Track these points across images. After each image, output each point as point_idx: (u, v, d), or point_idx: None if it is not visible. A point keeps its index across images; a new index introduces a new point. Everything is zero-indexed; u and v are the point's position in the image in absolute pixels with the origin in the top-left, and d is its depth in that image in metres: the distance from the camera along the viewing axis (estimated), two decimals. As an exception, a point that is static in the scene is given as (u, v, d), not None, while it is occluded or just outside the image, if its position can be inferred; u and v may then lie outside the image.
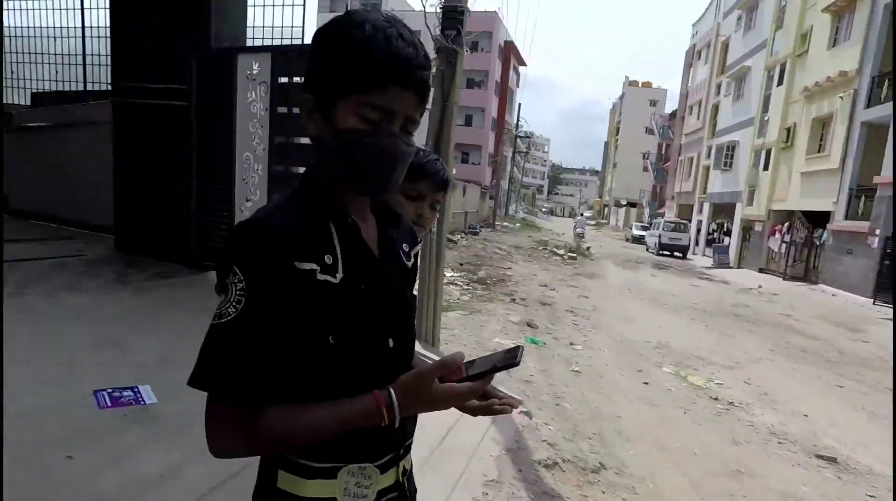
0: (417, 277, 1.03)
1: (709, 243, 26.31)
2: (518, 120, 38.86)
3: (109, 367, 2.55)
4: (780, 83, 20.65)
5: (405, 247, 0.97)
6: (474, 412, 0.86)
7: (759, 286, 15.67)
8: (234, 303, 0.72)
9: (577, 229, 22.35)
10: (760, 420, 4.89)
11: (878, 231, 13.66)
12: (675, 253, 25.28)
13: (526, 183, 73.28)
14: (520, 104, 41.92)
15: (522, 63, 44.72)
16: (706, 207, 28.01)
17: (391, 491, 0.89)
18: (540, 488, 3.09)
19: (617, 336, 7.31)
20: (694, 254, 26.79)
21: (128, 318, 3.10)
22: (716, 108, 28.31)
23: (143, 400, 2.33)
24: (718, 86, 28.20)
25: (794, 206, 18.53)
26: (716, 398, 5.36)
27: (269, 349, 0.74)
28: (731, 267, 21.76)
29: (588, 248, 21.13)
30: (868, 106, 15.16)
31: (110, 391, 2.33)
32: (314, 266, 0.76)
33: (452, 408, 0.83)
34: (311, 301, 0.76)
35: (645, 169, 50.54)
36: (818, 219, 17.12)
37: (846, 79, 16.17)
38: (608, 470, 3.50)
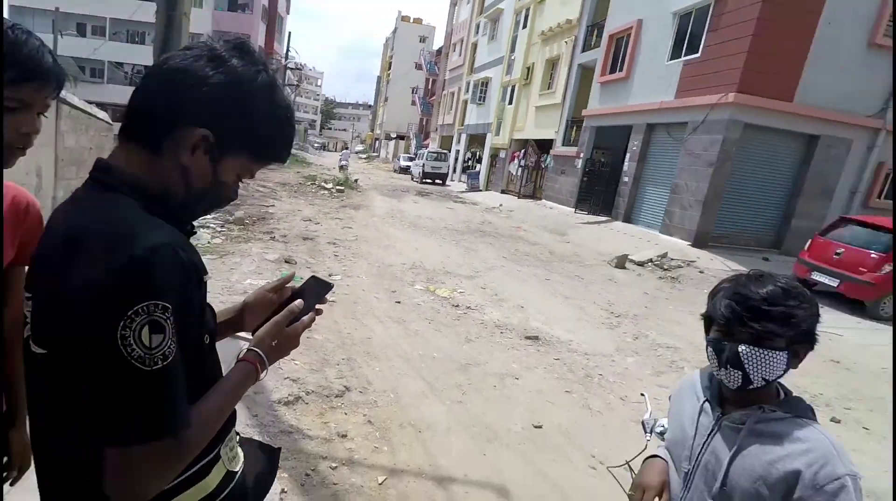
0: None
1: (464, 170, 29.29)
2: (288, 50, 35.24)
3: None
4: (524, 26, 23.24)
5: None
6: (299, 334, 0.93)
7: (500, 205, 18.24)
8: (169, 337, 0.70)
9: (342, 162, 23.18)
10: (489, 318, 5.74)
11: (581, 154, 16.98)
12: (437, 181, 27.54)
13: (297, 118, 68.33)
14: (290, 33, 37.95)
15: (292, -14, 40.10)
16: (463, 137, 30.81)
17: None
18: (278, 427, 3.02)
19: (376, 263, 7.59)
20: (452, 180, 29.58)
21: None
22: (475, 46, 30.60)
23: None
24: (478, 26, 30.32)
25: (530, 135, 21.72)
26: (456, 306, 6.06)
27: (182, 369, 0.74)
28: (481, 190, 24.78)
29: (356, 180, 21.28)
30: (583, 51, 18.21)
31: None
32: (207, 276, 0.82)
33: None
34: (202, 308, 0.82)
35: (413, 103, 52.40)
36: (545, 146, 20.46)
37: (570, 26, 19.05)
38: (352, 392, 3.64)
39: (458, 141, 31.98)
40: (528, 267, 8.75)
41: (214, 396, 0.81)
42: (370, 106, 76.48)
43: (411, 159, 34.63)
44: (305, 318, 0.93)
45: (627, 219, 14.35)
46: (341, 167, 22.81)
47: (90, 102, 9.71)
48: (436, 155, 28.41)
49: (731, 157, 11.02)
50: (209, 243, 7.65)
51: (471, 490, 2.74)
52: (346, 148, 28.31)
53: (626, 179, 14.57)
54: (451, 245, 9.95)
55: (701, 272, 9.60)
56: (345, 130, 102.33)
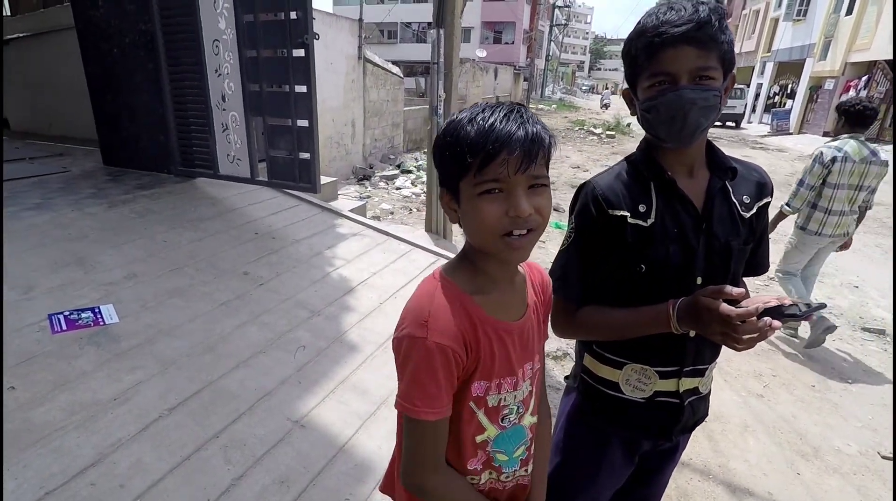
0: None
1: (768, 108, 23.78)
2: None
3: (71, 287, 2.42)
4: None
5: (745, 199, 1.09)
6: (741, 339, 0.88)
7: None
8: (567, 238, 1.09)
9: (604, 101, 22.23)
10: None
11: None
12: (728, 123, 23.11)
13: (565, 60, 67.23)
14: (558, -32, 37.05)
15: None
16: (769, 67, 24.89)
17: (669, 396, 1.13)
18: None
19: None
20: (749, 122, 24.46)
21: (96, 234, 2.93)
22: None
23: (103, 321, 2.19)
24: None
25: (878, 55, 15.98)
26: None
27: (586, 268, 1.07)
28: (792, 133, 19.77)
29: (629, 125, 19.65)
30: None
31: (67, 313, 2.14)
32: (625, 213, 1.02)
33: None
34: (623, 238, 1.02)
35: (699, 29, 44.93)
36: (903, 67, 14.79)
37: None
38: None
39: (762, 72, 25.96)
40: (866, 235, 6.58)
41: (622, 312, 1.06)
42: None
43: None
44: (727, 307, 0.89)
45: None
46: (604, 106, 22.01)
47: (386, 61, 11.23)
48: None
49: None
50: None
51: (778, 515, 2.14)
52: (607, 88, 27.23)
53: None
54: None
55: None
56: (616, 69, 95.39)
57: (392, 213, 7.08)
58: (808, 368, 3.31)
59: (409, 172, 9.77)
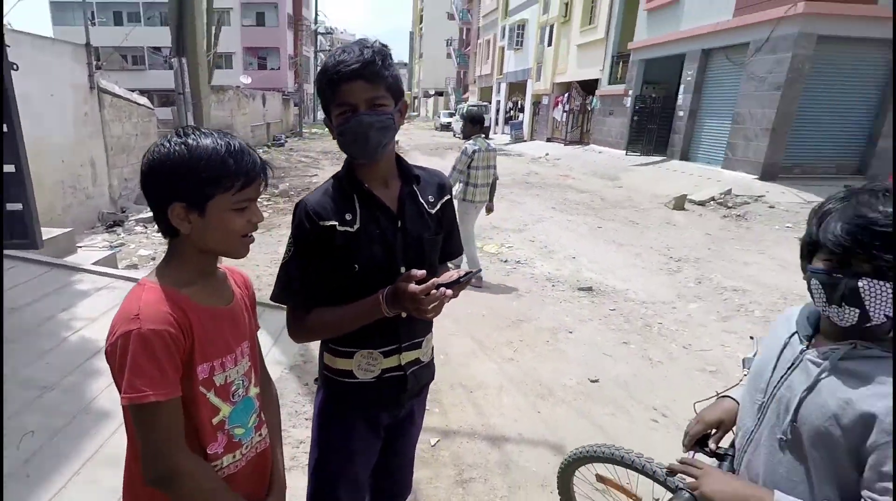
0: None
1: (507, 120, 28.30)
2: (316, 15, 34.76)
3: None
4: (557, -42, 21.52)
5: (430, 198, 1.33)
6: (428, 309, 1.13)
7: (546, 154, 17.56)
8: (287, 251, 1.24)
9: None
10: (539, 271, 5.57)
11: (630, 92, 15.88)
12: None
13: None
14: (318, -3, 37.48)
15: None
16: (503, 87, 29.64)
17: (395, 371, 1.33)
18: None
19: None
20: (495, 133, 28.71)
21: None
22: (508, -13, 28.82)
23: None
24: (506, -37, 28.49)
25: (572, 77, 20.51)
26: (505, 261, 5.92)
27: (308, 275, 1.22)
28: (526, 140, 23.94)
29: (397, 141, 21.12)
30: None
31: None
32: (334, 222, 1.20)
33: None
34: (336, 244, 1.20)
35: (448, 55, 50.77)
36: (590, 87, 19.28)
37: (607, -49, 17.43)
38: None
39: (498, 91, 30.82)
40: (578, 216, 8.40)
41: (345, 308, 1.22)
42: (405, 64, 74.76)
43: (451, 115, 33.85)
44: (412, 286, 1.11)
45: (684, 157, 13.43)
46: None
47: (132, 90, 9.98)
48: (476, 108, 27.59)
49: (802, 76, 9.89)
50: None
51: (525, 448, 2.67)
52: None
53: (680, 113, 13.54)
54: (496, 200, 9.66)
55: (771, 207, 8.86)
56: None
57: (153, 258, 6.32)
58: (545, 327, 4.14)
59: (171, 210, 8.76)
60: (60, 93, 7.65)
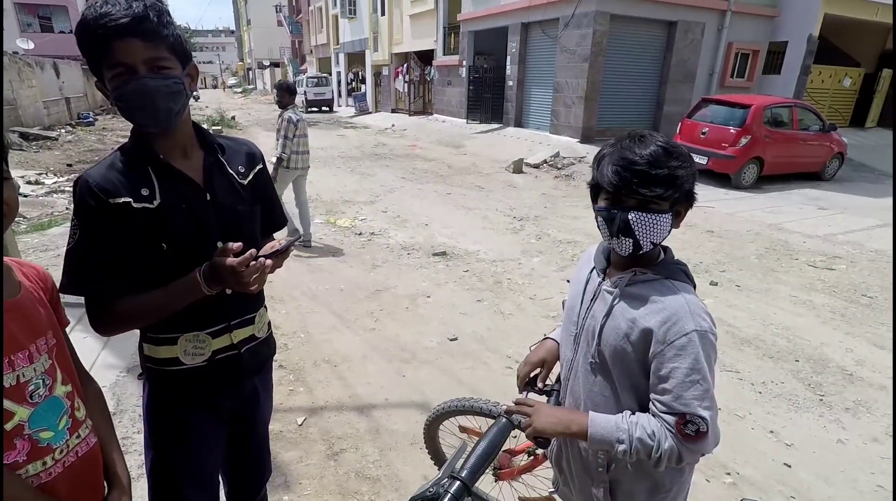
0: None
1: (349, 92, 27.50)
2: None
3: None
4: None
5: (240, 168, 1.26)
6: (249, 281, 1.07)
7: (392, 125, 17.57)
8: (72, 236, 1.08)
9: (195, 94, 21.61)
10: (395, 241, 5.61)
11: (464, 62, 16.49)
12: (323, 108, 25.72)
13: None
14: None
15: None
16: (342, 57, 28.56)
17: (228, 351, 1.26)
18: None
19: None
20: (339, 106, 27.79)
21: None
22: (333, -52, 27.36)
23: None
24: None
25: (409, 48, 20.55)
26: (360, 233, 5.84)
27: (104, 260, 1.08)
28: (371, 112, 23.60)
29: (233, 117, 19.29)
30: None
31: None
32: (128, 199, 1.07)
33: None
34: (134, 223, 1.08)
35: (280, 23, 47.07)
36: (427, 58, 19.55)
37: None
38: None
39: (338, 62, 29.67)
40: (428, 184, 8.61)
41: (157, 293, 1.10)
42: (233, 32, 67.61)
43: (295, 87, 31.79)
44: (229, 259, 1.05)
45: (518, 124, 14.49)
46: (195, 98, 20.92)
47: None
48: (316, 80, 26.27)
49: (603, 50, 11.26)
50: (66, 209, 6.59)
51: (392, 411, 2.72)
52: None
53: (510, 83, 14.49)
54: (346, 173, 9.46)
55: (591, 167, 10.06)
56: (210, 62, 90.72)
57: None
58: (404, 294, 4.20)
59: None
60: None
